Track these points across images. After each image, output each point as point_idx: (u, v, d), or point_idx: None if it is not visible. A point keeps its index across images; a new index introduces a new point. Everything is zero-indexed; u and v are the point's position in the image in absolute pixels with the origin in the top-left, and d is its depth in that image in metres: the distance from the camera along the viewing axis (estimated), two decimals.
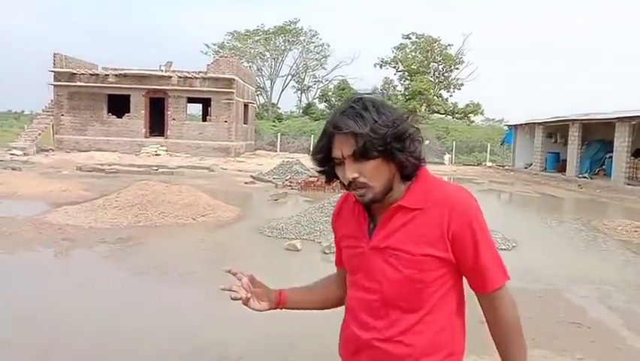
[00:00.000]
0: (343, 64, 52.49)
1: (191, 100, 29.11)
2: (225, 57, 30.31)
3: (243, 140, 31.43)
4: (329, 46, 51.14)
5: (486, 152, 33.88)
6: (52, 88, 28.02)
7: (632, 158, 18.57)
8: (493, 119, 49.37)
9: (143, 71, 28.23)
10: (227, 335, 4.01)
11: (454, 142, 34.51)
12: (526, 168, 25.79)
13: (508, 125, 31.43)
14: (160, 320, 4.36)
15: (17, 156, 22.68)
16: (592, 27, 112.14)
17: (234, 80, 27.92)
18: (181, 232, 7.95)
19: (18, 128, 37.65)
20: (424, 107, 41.03)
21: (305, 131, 35.80)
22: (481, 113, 44.32)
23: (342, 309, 1.51)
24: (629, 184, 17.57)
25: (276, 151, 34.03)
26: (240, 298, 1.44)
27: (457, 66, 43.49)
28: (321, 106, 45.89)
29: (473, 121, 43.90)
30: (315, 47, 51.12)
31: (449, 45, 43.18)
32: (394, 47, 43.97)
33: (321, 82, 52.81)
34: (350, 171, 1.27)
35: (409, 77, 42.73)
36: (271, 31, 49.46)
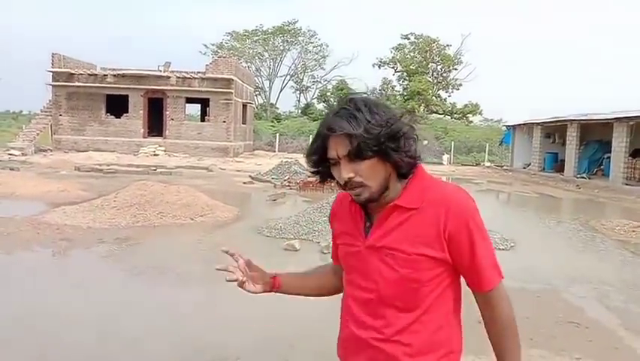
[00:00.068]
0: (342, 64, 52.66)
1: (189, 100, 29.10)
2: (224, 57, 30.27)
3: (241, 140, 31.43)
4: (327, 46, 51.20)
5: (484, 152, 33.91)
6: (50, 88, 27.99)
7: (630, 158, 18.61)
8: (491, 120, 49.42)
9: (142, 72, 28.22)
10: (225, 335, 4.01)
11: (453, 142, 34.54)
12: (524, 168, 25.82)
13: (507, 126, 31.48)
14: (158, 320, 4.36)
15: (15, 156, 22.65)
16: (590, 27, 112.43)
17: (233, 80, 27.92)
18: (179, 232, 7.95)
19: (16, 128, 37.57)
20: (422, 108, 41.07)
21: (303, 131, 35.80)
22: (480, 114, 44.39)
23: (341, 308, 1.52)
24: (627, 184, 17.60)
25: (275, 151, 34.03)
26: (235, 280, 1.45)
27: (455, 66, 43.53)
28: (320, 106, 45.89)
29: (472, 121, 43.97)
30: (313, 47, 51.14)
31: (448, 45, 43.25)
32: (393, 48, 44.03)
33: (320, 82, 52.88)
34: (346, 171, 1.27)
35: (407, 78, 42.76)
36: (270, 31, 49.44)
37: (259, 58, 50.89)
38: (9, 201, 10.28)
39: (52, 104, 28.14)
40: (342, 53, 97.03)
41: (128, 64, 30.36)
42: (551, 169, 23.49)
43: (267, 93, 52.07)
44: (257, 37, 49.65)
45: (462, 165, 31.53)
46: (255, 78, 45.56)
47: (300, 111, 48.74)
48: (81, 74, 27.66)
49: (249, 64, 47.65)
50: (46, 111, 29.43)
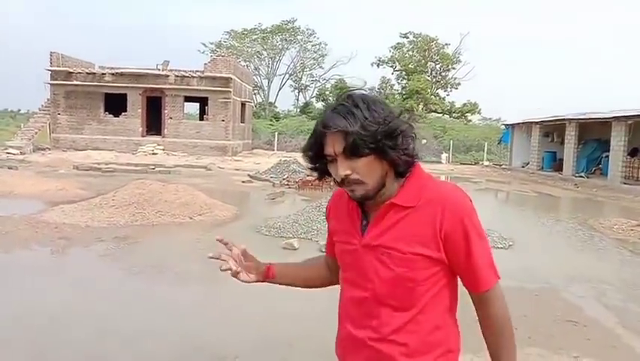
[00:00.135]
0: (340, 63, 52.45)
1: (188, 99, 29.07)
2: (222, 56, 30.25)
3: (240, 139, 31.41)
4: (326, 45, 51.16)
5: (483, 151, 33.91)
6: (48, 87, 27.93)
7: (628, 157, 18.63)
8: (490, 119, 49.46)
9: (140, 70, 28.18)
10: (224, 334, 4.02)
11: (452, 141, 34.54)
12: (523, 167, 25.84)
13: (505, 125, 31.50)
14: (157, 319, 4.35)
15: (14, 154, 22.61)
16: (589, 27, 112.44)
17: (231, 79, 27.90)
18: (178, 231, 7.94)
19: (14, 126, 37.54)
20: (421, 107, 41.06)
21: (302, 130, 35.75)
22: (478, 113, 44.43)
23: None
24: (625, 183, 17.62)
25: (274, 150, 34.00)
26: (228, 270, 1.44)
27: (454, 65, 43.53)
28: (319, 105, 45.89)
29: (470, 120, 43.97)
30: (312, 45, 51.10)
31: (446, 44, 43.25)
32: (391, 47, 44.03)
33: (319, 81, 52.87)
34: (342, 168, 1.26)
35: (406, 77, 42.77)
36: (268, 30, 49.40)
37: (258, 57, 50.86)
38: (7, 200, 10.27)
39: (51, 102, 28.09)
40: (341, 52, 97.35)
41: (126, 63, 30.30)
42: (550, 168, 23.51)
43: (266, 92, 52.09)
44: (255, 36, 49.60)
45: (461, 163, 31.54)
46: (254, 77, 45.54)
47: (298, 110, 48.71)
48: (79, 72, 27.62)
49: (247, 63, 47.62)
50: (44, 110, 29.39)
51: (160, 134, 28.21)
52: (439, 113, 43.33)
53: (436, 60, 43.47)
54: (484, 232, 1.32)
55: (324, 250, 1.67)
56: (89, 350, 3.69)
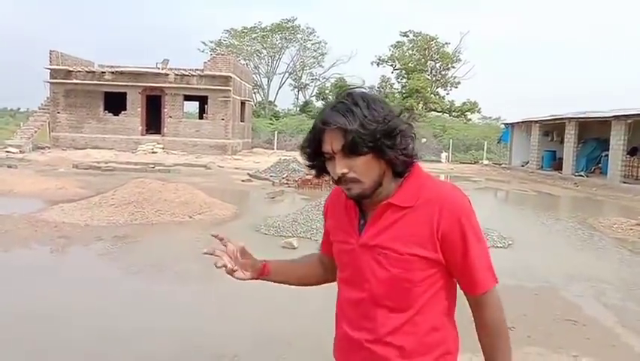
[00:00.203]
0: (340, 62, 52.41)
1: (187, 98, 29.06)
2: (222, 55, 30.26)
3: (239, 138, 31.40)
4: (326, 44, 51.14)
5: (483, 150, 33.92)
6: (48, 85, 27.90)
7: (627, 156, 18.63)
8: (489, 118, 49.50)
9: (140, 69, 28.15)
10: (223, 333, 4.02)
11: (451, 140, 34.54)
12: (522, 166, 25.84)
13: (505, 124, 31.47)
14: (156, 318, 4.35)
15: (13, 153, 22.59)
16: (588, 26, 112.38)
17: (231, 77, 27.88)
18: (177, 230, 7.94)
19: (14, 125, 37.51)
20: (420, 105, 41.03)
21: (302, 129, 35.71)
22: (478, 112, 44.40)
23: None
24: (624, 182, 17.62)
25: (273, 149, 34.00)
26: (223, 267, 1.41)
27: (454, 64, 43.49)
28: (319, 104, 45.85)
29: (470, 119, 43.95)
30: (312, 44, 51.07)
31: (446, 43, 43.22)
32: (391, 45, 44.00)
33: (319, 80, 52.80)
34: (340, 167, 1.25)
35: (406, 75, 42.73)
36: (268, 28, 49.37)
37: (257, 55, 50.83)
38: (7, 199, 10.26)
39: (50, 101, 28.07)
40: (341, 51, 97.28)
41: (126, 61, 30.28)
42: (549, 167, 23.51)
43: (266, 91, 52.06)
44: (255, 35, 49.57)
45: (460, 163, 31.54)
46: (254, 76, 45.50)
47: (298, 109, 48.68)
48: (79, 71, 27.59)
49: (247, 61, 47.58)
50: (44, 109, 29.36)
51: (160, 133, 28.20)
52: (438, 112, 43.32)
53: (436, 59, 43.44)
54: (482, 234, 1.31)
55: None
56: (89, 348, 3.69)
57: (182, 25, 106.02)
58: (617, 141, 18.17)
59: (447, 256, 1.28)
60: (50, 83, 27.67)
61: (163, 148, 27.23)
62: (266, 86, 52.00)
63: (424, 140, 32.53)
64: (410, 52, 43.37)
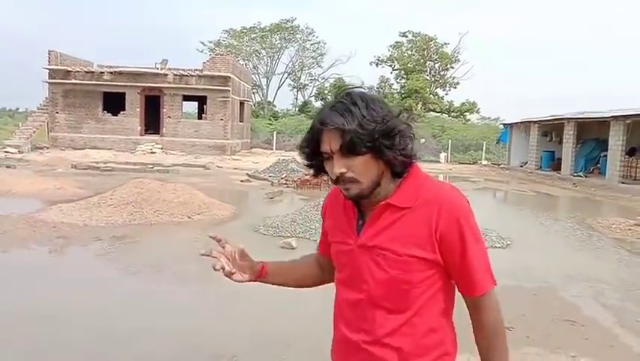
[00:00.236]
0: (339, 62, 52.40)
1: (186, 98, 29.06)
2: (221, 55, 30.24)
3: (238, 138, 31.39)
4: (325, 44, 51.15)
5: (482, 150, 33.94)
6: (47, 85, 27.89)
7: (626, 156, 18.66)
8: (488, 118, 49.46)
9: (139, 69, 28.14)
10: (222, 334, 4.01)
11: (450, 140, 34.56)
12: (521, 166, 25.86)
13: (504, 124, 31.50)
14: (154, 318, 4.35)
15: (12, 153, 22.57)
16: (587, 27, 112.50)
17: (230, 77, 27.88)
18: (176, 231, 7.94)
19: (12, 125, 37.44)
20: (419, 106, 41.06)
21: (301, 129, 35.69)
22: (477, 112, 44.45)
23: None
24: (623, 183, 17.64)
25: (272, 149, 34.00)
26: (221, 270, 1.40)
27: (452, 65, 43.54)
28: (318, 104, 45.86)
29: (469, 119, 43.98)
30: (311, 44, 51.06)
31: (445, 44, 43.25)
32: (390, 46, 44.02)
33: (318, 80, 52.82)
34: (338, 166, 1.24)
35: (405, 76, 42.76)
36: (267, 28, 49.35)
37: (256, 55, 50.81)
38: (5, 199, 10.25)
39: (49, 101, 28.06)
40: (340, 51, 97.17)
41: (125, 61, 30.28)
42: (548, 167, 23.54)
43: (265, 91, 52.04)
44: (254, 35, 49.55)
45: (459, 163, 31.56)
46: (253, 76, 45.49)
47: (297, 109, 48.67)
48: (78, 71, 27.58)
49: (246, 61, 47.56)
50: (42, 109, 29.35)
51: (158, 133, 28.19)
52: (437, 112, 43.35)
53: (435, 59, 43.48)
54: (480, 236, 1.30)
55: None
56: (88, 348, 3.69)
57: (181, 26, 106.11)
58: (616, 142, 18.20)
59: (445, 256, 1.27)
60: (49, 83, 27.66)
61: (162, 148, 27.22)
62: (265, 87, 52.04)
63: (422, 140, 32.53)
64: (409, 52, 43.40)
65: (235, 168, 20.46)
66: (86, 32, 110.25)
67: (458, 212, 1.26)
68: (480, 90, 63.91)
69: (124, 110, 27.91)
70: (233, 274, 1.43)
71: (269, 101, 51.23)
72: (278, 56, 51.37)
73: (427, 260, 1.27)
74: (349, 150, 1.22)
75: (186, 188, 10.01)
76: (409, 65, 42.33)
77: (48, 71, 27.39)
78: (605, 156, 19.37)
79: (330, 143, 1.24)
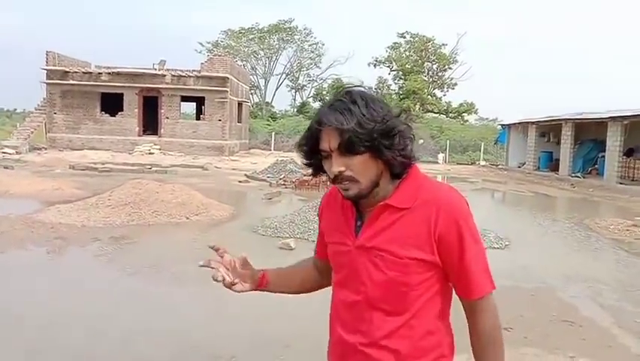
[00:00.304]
0: (337, 63, 52.42)
1: (184, 99, 29.02)
2: (219, 56, 30.21)
3: (237, 138, 31.38)
4: (323, 45, 51.13)
5: (480, 151, 33.99)
6: (44, 86, 27.86)
7: (624, 157, 18.69)
8: (486, 119, 49.55)
9: (137, 70, 28.11)
10: (220, 334, 4.01)
11: (448, 141, 34.60)
12: (519, 167, 25.89)
13: (502, 125, 31.55)
14: (153, 319, 4.35)
15: (9, 154, 22.53)
16: (587, 27, 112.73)
17: (228, 78, 27.86)
18: (174, 231, 7.93)
19: (10, 126, 37.42)
20: (417, 107, 41.13)
21: (299, 130, 35.66)
22: (475, 113, 44.57)
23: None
24: (621, 183, 17.68)
25: (270, 150, 33.99)
26: (221, 281, 1.36)
27: (450, 66, 43.65)
28: (316, 105, 45.85)
29: (467, 120, 44.07)
30: (309, 45, 51.06)
31: (443, 45, 43.34)
32: (388, 47, 44.09)
33: (316, 81, 52.83)
34: (336, 165, 1.23)
35: (403, 77, 42.83)
36: (265, 29, 49.35)
37: (254, 56, 50.80)
38: (3, 200, 10.23)
39: (47, 102, 28.02)
40: (338, 52, 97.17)
41: (122, 62, 30.24)
42: (546, 168, 23.57)
43: (263, 92, 52.02)
44: (252, 36, 49.53)
45: (457, 164, 31.59)
46: (251, 77, 45.47)
47: (295, 110, 48.69)
48: (75, 72, 27.53)
49: (244, 62, 47.54)
50: (40, 109, 29.32)
51: (156, 134, 28.16)
52: (435, 113, 43.40)
53: (433, 60, 43.57)
54: (479, 237, 1.29)
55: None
56: (86, 349, 3.68)
57: (179, 26, 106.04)
58: (614, 142, 18.23)
59: (443, 257, 1.26)
60: (47, 83, 27.62)
61: (160, 149, 27.19)
62: (263, 87, 52.03)
63: (421, 141, 32.53)
64: (407, 53, 43.49)
65: (233, 169, 20.45)
66: (83, 33, 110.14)
67: (457, 213, 1.25)
68: (478, 91, 64.06)
69: (122, 110, 27.88)
70: (234, 284, 1.39)
71: (267, 102, 51.23)
72: (276, 57, 51.42)
73: (425, 262, 1.26)
74: (348, 148, 1.21)
75: (184, 189, 10.00)
76: (406, 65, 42.40)
77: (46, 71, 27.34)
78: (603, 156, 19.40)
79: (329, 141, 1.23)
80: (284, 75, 52.37)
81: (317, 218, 1.54)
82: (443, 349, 1.32)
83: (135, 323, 4.21)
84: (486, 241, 7.31)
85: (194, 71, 28.40)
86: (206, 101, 28.22)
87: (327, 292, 1.66)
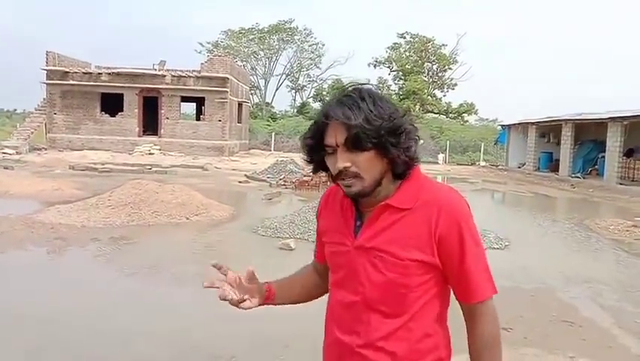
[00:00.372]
0: (337, 63, 52.45)
1: (184, 99, 29.02)
2: (219, 56, 30.21)
3: (236, 139, 31.38)
4: (323, 45, 51.15)
5: (480, 151, 34.00)
6: (44, 86, 27.86)
7: (624, 158, 18.70)
8: (486, 119, 49.57)
9: (137, 70, 28.12)
10: (220, 334, 4.01)
11: (448, 142, 34.61)
12: (519, 167, 25.89)
13: (502, 125, 31.57)
14: (153, 319, 4.35)
15: (9, 154, 22.53)
16: (587, 28, 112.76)
17: (228, 79, 27.87)
18: (174, 232, 7.93)
19: (10, 126, 37.43)
20: (417, 107, 41.16)
21: (299, 130, 35.63)
22: (475, 113, 44.60)
23: None
24: (621, 184, 17.68)
25: (270, 150, 34.00)
26: (228, 299, 1.33)
27: (450, 66, 43.68)
28: (316, 105, 45.88)
29: (467, 121, 44.11)
30: (309, 46, 51.06)
31: (443, 45, 43.36)
32: (388, 47, 44.12)
33: (316, 81, 52.84)
34: (342, 160, 1.22)
35: (403, 77, 42.87)
36: (265, 30, 49.36)
37: (254, 57, 50.81)
38: (3, 200, 10.23)
39: (47, 102, 28.02)
40: (338, 52, 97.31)
41: (122, 62, 30.25)
42: (546, 169, 23.58)
43: (263, 92, 52.03)
44: (252, 36, 49.54)
45: (457, 164, 31.60)
46: (251, 77, 45.49)
47: (295, 110, 48.70)
48: (75, 72, 27.54)
49: (244, 63, 47.55)
50: (40, 110, 29.32)
51: (156, 135, 28.16)
52: (435, 113, 43.43)
53: (433, 61, 43.60)
54: (480, 239, 1.28)
55: None
56: (86, 350, 3.68)
57: (179, 27, 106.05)
58: (614, 143, 18.24)
59: (443, 259, 1.25)
60: (47, 84, 27.62)
61: (160, 149, 27.19)
62: (263, 88, 52.03)
63: (421, 141, 32.16)
64: (407, 54, 43.52)
65: (233, 169, 20.45)
66: (83, 33, 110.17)
67: (458, 214, 1.25)
68: (478, 91, 64.06)
69: (122, 111, 27.88)
70: (243, 301, 1.36)
71: (267, 103, 51.24)
72: (276, 57, 51.43)
73: (425, 263, 1.25)
74: (354, 144, 1.21)
75: (184, 189, 10.00)
76: (406, 66, 42.44)
77: (46, 72, 27.35)
78: (603, 157, 19.41)
79: (335, 136, 1.22)
80: (284, 75, 52.45)
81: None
82: (440, 352, 1.31)
83: (135, 323, 4.20)
84: (486, 242, 7.32)
85: (194, 71, 28.40)
86: (206, 102, 28.23)
87: (326, 294, 1.65)
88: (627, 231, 9.28)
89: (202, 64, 28.75)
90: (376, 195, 1.28)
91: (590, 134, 21.78)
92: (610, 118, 18.47)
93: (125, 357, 3.62)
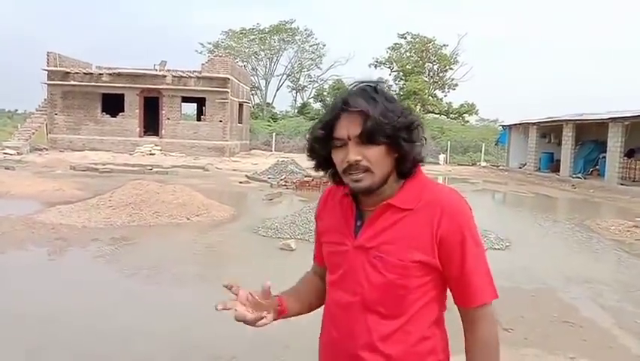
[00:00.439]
0: (338, 64, 52.53)
1: (185, 99, 29.04)
2: (220, 56, 30.22)
3: (237, 139, 31.39)
4: (324, 46, 51.20)
5: (480, 152, 33.98)
6: (45, 87, 27.88)
7: (625, 158, 18.68)
8: (487, 120, 49.53)
9: (138, 71, 28.14)
10: (220, 335, 4.00)
11: (449, 142, 34.59)
12: (520, 168, 25.88)
13: (503, 126, 31.55)
14: (153, 319, 4.35)
15: (10, 155, 22.55)
16: (587, 28, 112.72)
17: (229, 79, 27.88)
18: (175, 232, 7.93)
19: (11, 127, 37.43)
20: (418, 107, 41.13)
21: (300, 131, 35.75)
22: (476, 113, 44.60)
23: None
24: (622, 184, 17.67)
25: (271, 151, 34.01)
26: (244, 320, 1.29)
27: (451, 66, 43.67)
28: (316, 106, 45.90)
29: (468, 121, 44.11)
30: (310, 46, 51.10)
31: (444, 45, 43.36)
32: (389, 47, 44.15)
33: (316, 82, 52.88)
34: (354, 153, 1.21)
35: (403, 77, 42.87)
36: (266, 30, 49.39)
37: (255, 57, 50.84)
38: (4, 200, 10.24)
39: (48, 103, 28.04)
40: (339, 53, 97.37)
41: (123, 63, 30.27)
42: (547, 169, 23.57)
43: (264, 93, 52.05)
44: (253, 37, 49.58)
45: (458, 164, 31.58)
46: (252, 77, 45.51)
47: (296, 111, 48.70)
48: (76, 72, 27.56)
49: (245, 63, 47.60)
50: (41, 110, 29.33)
51: (157, 135, 28.17)
52: (436, 114, 43.42)
53: (434, 61, 43.60)
54: (481, 242, 1.27)
55: None
56: (86, 350, 3.69)
57: (179, 27, 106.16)
58: (615, 143, 18.23)
59: (444, 260, 1.24)
60: (48, 84, 27.64)
61: (161, 150, 27.20)
62: (264, 88, 52.06)
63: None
64: (408, 54, 43.53)
65: (234, 170, 20.46)
66: (84, 33, 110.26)
67: (460, 216, 1.24)
68: (479, 92, 64.02)
69: (123, 111, 27.90)
70: (260, 319, 1.30)
71: (268, 103, 51.26)
72: (277, 58, 51.47)
73: (425, 264, 1.23)
74: (369, 137, 1.20)
75: (185, 189, 10.00)
76: (407, 66, 42.45)
77: (47, 72, 27.37)
78: (604, 157, 19.40)
79: (348, 128, 1.22)
80: (285, 76, 52.50)
81: None
82: (438, 355, 1.30)
83: (135, 323, 4.21)
84: (487, 242, 7.31)
85: (194, 71, 28.42)
86: (207, 102, 28.25)
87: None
88: (628, 231, 9.27)
89: (203, 64, 28.77)
90: (380, 193, 1.27)
91: (590, 135, 21.77)
92: (611, 118, 18.46)
93: (125, 357, 3.62)
